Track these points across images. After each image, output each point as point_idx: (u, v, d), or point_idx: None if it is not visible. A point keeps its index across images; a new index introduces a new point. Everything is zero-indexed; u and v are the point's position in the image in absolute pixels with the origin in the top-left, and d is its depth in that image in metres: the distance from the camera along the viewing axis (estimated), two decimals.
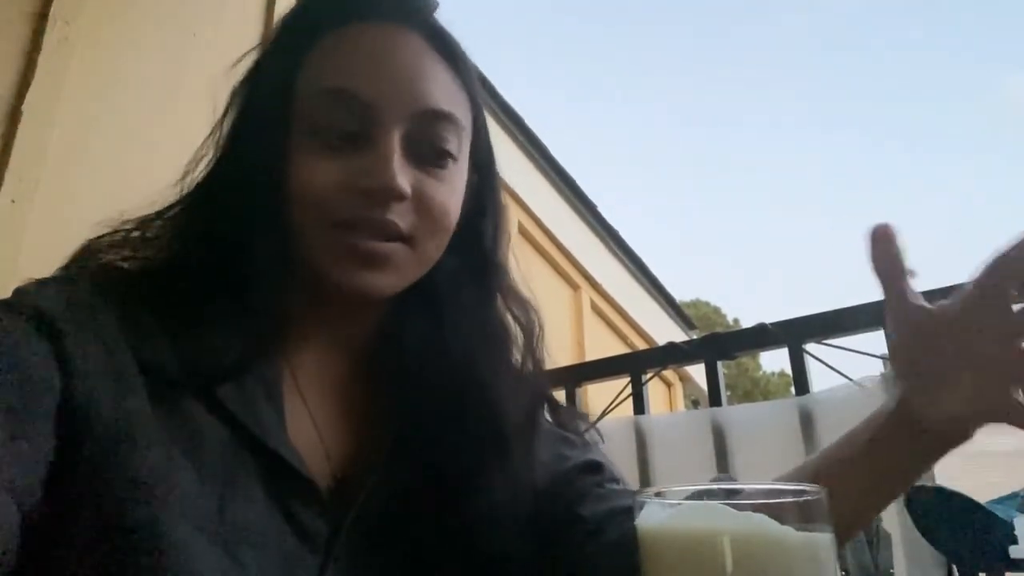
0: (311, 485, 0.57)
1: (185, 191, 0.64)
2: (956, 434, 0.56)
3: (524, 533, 0.63)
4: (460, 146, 0.64)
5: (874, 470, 0.60)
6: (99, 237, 0.62)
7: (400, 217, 0.59)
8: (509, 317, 0.71)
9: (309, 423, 0.62)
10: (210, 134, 0.66)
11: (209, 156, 0.65)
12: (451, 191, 0.63)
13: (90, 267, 0.60)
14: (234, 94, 0.66)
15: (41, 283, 0.57)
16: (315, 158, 0.59)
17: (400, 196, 0.59)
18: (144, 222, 0.63)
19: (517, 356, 0.70)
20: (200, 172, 0.65)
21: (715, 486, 0.43)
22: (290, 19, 0.66)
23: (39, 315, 0.52)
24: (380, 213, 0.58)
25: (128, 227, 0.62)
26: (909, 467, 0.60)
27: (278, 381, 0.60)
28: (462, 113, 0.65)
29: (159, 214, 0.64)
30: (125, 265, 0.61)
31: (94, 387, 0.51)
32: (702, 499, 0.43)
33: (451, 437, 0.63)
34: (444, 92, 0.63)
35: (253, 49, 0.68)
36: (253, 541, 0.52)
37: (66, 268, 0.61)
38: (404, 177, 0.59)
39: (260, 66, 0.66)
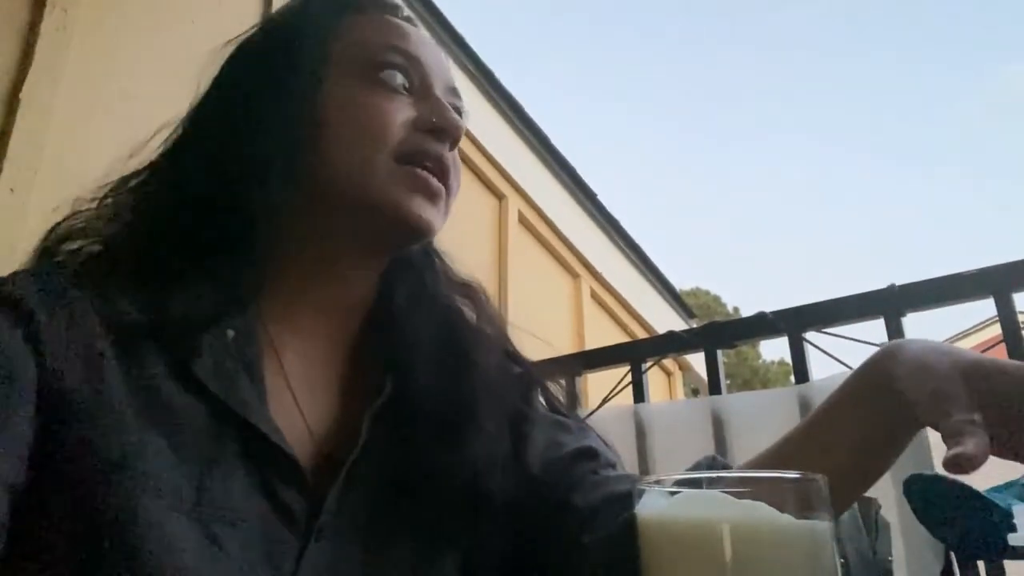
0: (292, 463, 0.57)
1: (155, 161, 0.66)
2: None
3: (516, 498, 0.63)
4: None
5: (853, 440, 0.60)
6: (59, 223, 0.63)
7: (450, 164, 0.66)
8: (459, 297, 0.75)
9: (291, 401, 0.62)
10: (199, 105, 0.68)
11: (182, 124, 0.68)
12: None
13: (58, 255, 0.61)
14: (231, 61, 0.70)
15: (14, 273, 0.57)
16: (378, 95, 0.64)
17: (457, 141, 0.66)
18: (110, 193, 0.64)
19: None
20: (166, 140, 0.67)
21: (714, 474, 0.43)
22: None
23: (12, 303, 0.53)
24: (444, 151, 0.65)
25: (87, 205, 0.64)
26: (889, 437, 0.60)
27: (259, 359, 0.60)
28: None
29: (124, 181, 0.65)
30: (91, 248, 0.62)
31: (68, 371, 0.52)
32: (700, 484, 0.43)
33: (436, 395, 0.64)
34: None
35: (240, 36, 0.71)
36: (233, 520, 0.53)
37: (35, 259, 0.62)
38: None
39: (274, 34, 0.70)
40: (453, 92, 0.70)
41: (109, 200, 0.64)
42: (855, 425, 0.60)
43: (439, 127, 0.65)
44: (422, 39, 0.69)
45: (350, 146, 0.63)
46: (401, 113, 0.64)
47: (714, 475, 0.43)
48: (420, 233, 0.65)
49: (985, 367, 0.53)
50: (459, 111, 0.69)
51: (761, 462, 0.64)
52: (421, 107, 0.65)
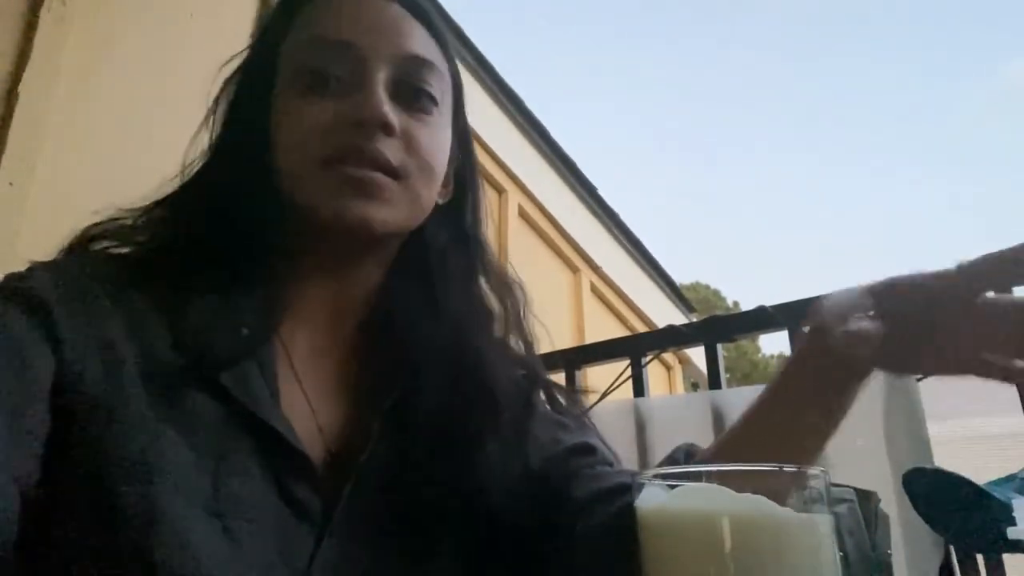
0: (305, 459, 0.57)
1: (184, 180, 0.67)
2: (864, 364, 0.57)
3: (517, 498, 0.63)
4: (443, 98, 0.68)
5: (785, 412, 0.61)
6: (94, 224, 0.63)
7: (388, 150, 0.61)
8: (492, 295, 0.73)
9: (303, 399, 0.62)
10: (202, 123, 0.69)
11: (204, 146, 0.68)
12: (437, 136, 0.66)
13: (84, 252, 0.62)
14: (228, 81, 0.69)
15: (33, 267, 0.58)
16: (304, 103, 0.62)
17: (387, 126, 0.61)
18: (143, 210, 0.65)
19: (501, 331, 0.72)
20: (197, 161, 0.67)
21: (714, 467, 0.43)
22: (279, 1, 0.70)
23: (31, 298, 0.53)
24: (370, 143, 0.61)
25: (123, 215, 0.64)
26: (820, 397, 0.60)
27: (272, 357, 0.61)
28: (443, 69, 0.68)
29: (157, 203, 0.65)
30: (120, 251, 0.63)
31: (85, 367, 0.52)
32: (701, 478, 0.43)
33: (443, 403, 0.64)
34: (424, 45, 0.67)
35: (246, 48, 0.71)
36: (248, 516, 0.53)
37: (61, 254, 0.62)
38: (391, 112, 0.62)
39: (253, 47, 0.69)
40: (409, 60, 0.65)
41: (143, 217, 0.65)
42: (802, 388, 0.61)
43: (356, 120, 0.61)
44: (360, 15, 0.65)
45: (284, 158, 0.63)
46: (322, 116, 0.61)
47: (714, 468, 0.43)
48: (360, 232, 0.62)
49: (896, 281, 0.55)
50: (419, 82, 0.65)
51: (723, 445, 0.65)
52: (346, 102, 0.62)
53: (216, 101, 0.69)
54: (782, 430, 0.61)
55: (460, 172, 0.73)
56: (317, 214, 0.61)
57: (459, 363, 0.66)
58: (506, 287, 0.74)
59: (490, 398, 0.65)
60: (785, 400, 0.62)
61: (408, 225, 0.65)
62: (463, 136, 0.74)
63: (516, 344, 0.73)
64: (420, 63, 0.65)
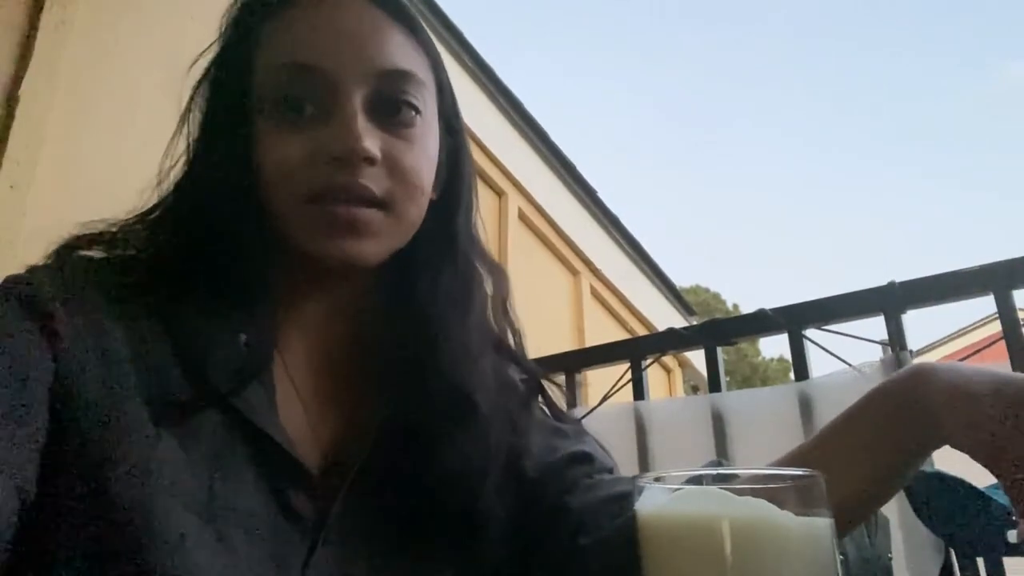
0: (301, 467, 0.57)
1: (164, 192, 0.65)
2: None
3: (511, 505, 0.63)
4: (425, 104, 0.64)
5: (874, 456, 0.58)
6: (83, 235, 0.62)
7: (373, 182, 0.59)
8: (479, 282, 0.71)
9: (298, 406, 0.62)
10: (176, 131, 0.66)
11: (183, 155, 0.65)
12: (422, 152, 0.63)
13: (77, 256, 0.61)
14: (197, 88, 0.66)
15: (31, 269, 0.58)
16: (282, 135, 0.59)
17: (369, 158, 0.58)
18: (126, 226, 0.63)
19: (489, 319, 0.70)
20: (177, 171, 0.65)
21: (714, 471, 0.43)
22: (243, 2, 0.66)
23: (29, 299, 0.53)
24: (351, 178, 0.58)
25: (111, 229, 0.63)
26: (910, 457, 0.59)
27: (268, 365, 0.60)
28: (422, 72, 0.64)
29: (140, 218, 0.64)
30: (106, 256, 0.62)
31: (83, 368, 0.52)
32: (701, 483, 0.43)
33: (427, 410, 0.63)
34: (400, 51, 0.63)
35: (213, 43, 0.67)
36: (242, 523, 0.53)
37: (52, 256, 0.61)
38: (371, 140, 0.59)
39: (221, 55, 0.66)
40: (385, 75, 0.61)
41: (130, 228, 0.63)
42: (879, 440, 0.58)
43: (336, 155, 0.58)
44: (328, 31, 0.61)
45: (267, 192, 0.60)
46: (301, 151, 0.58)
47: (714, 472, 0.43)
48: (350, 268, 0.61)
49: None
50: (398, 94, 0.61)
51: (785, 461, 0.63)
52: (324, 133, 0.59)
53: (188, 108, 0.66)
54: (839, 466, 0.56)
55: (451, 156, 0.70)
56: (304, 249, 0.60)
57: (438, 369, 0.64)
58: (492, 276, 0.72)
59: (472, 405, 0.63)
60: (849, 437, 0.60)
61: (399, 247, 0.63)
62: (450, 119, 0.70)
63: (506, 334, 0.71)
64: (398, 76, 0.62)
